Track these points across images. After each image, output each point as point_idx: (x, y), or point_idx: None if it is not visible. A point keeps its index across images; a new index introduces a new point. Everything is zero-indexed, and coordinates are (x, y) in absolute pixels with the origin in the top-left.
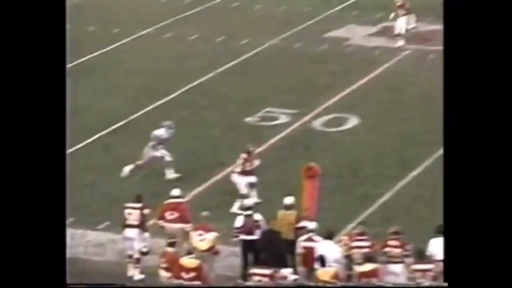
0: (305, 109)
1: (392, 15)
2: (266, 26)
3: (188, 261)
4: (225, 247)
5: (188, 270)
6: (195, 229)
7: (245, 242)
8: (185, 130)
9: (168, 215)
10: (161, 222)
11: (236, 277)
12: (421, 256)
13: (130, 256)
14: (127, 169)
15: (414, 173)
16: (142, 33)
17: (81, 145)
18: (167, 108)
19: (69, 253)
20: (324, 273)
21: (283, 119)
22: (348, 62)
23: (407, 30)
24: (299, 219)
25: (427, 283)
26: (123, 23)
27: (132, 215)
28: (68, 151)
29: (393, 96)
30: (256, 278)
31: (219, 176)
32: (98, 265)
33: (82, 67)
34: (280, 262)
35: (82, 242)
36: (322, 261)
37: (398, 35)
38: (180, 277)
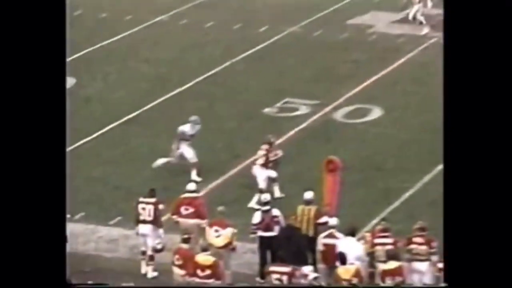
0: (326, 99)
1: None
2: (285, 13)
3: (203, 258)
4: (242, 244)
5: (203, 267)
6: (211, 224)
7: (263, 238)
8: (200, 121)
9: (183, 210)
10: (175, 217)
11: (254, 275)
12: None
13: (144, 253)
14: (160, 161)
15: (440, 166)
16: (155, 20)
17: (91, 136)
18: (181, 98)
19: (79, 249)
20: (345, 271)
21: (303, 110)
22: (371, 50)
23: (421, 15)
24: (319, 214)
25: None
26: (135, 10)
27: (146, 210)
28: (78, 143)
29: (418, 86)
30: (275, 276)
31: (235, 170)
32: (110, 262)
33: (94, 55)
34: (299, 259)
35: (93, 238)
36: (342, 258)
37: (414, 19)
38: (195, 275)
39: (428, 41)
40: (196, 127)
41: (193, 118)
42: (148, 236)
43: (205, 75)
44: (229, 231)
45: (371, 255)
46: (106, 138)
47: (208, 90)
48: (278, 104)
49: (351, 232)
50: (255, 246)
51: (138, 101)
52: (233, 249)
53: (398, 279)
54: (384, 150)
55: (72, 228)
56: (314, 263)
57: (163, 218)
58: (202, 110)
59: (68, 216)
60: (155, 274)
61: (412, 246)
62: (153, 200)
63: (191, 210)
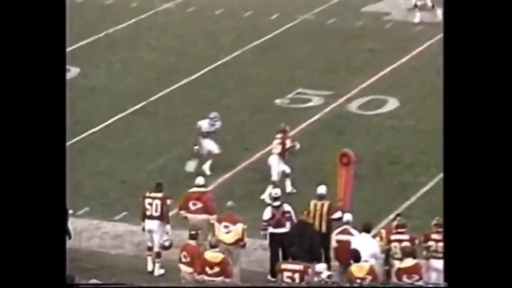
0: (340, 90)
1: None
2: (297, 0)
3: (212, 255)
4: (252, 240)
5: (212, 264)
6: (220, 220)
7: (274, 235)
8: (209, 113)
9: (191, 205)
10: (183, 213)
11: (265, 272)
12: None
13: (150, 249)
14: (191, 166)
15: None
16: (163, 7)
17: (95, 128)
18: (190, 89)
19: (83, 246)
20: (358, 269)
21: (315, 101)
22: (387, 39)
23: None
24: (332, 210)
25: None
26: None
27: (153, 205)
28: (82, 135)
29: (436, 76)
30: (287, 274)
31: (245, 163)
32: (115, 259)
33: (98, 44)
34: (312, 256)
35: (98, 233)
36: (355, 255)
37: (416, 6)
38: (203, 272)
39: None
40: (215, 124)
41: (213, 114)
42: (155, 232)
43: (214, 65)
44: (239, 227)
45: (387, 252)
46: (111, 130)
47: (217, 80)
48: (290, 95)
49: (366, 228)
50: (265, 242)
51: (144, 91)
52: (243, 245)
53: (415, 277)
54: (400, 143)
55: (75, 223)
56: (327, 261)
57: (170, 214)
58: (210, 101)
59: (71, 211)
60: (162, 271)
61: (430, 243)
62: (160, 195)
63: (199, 205)
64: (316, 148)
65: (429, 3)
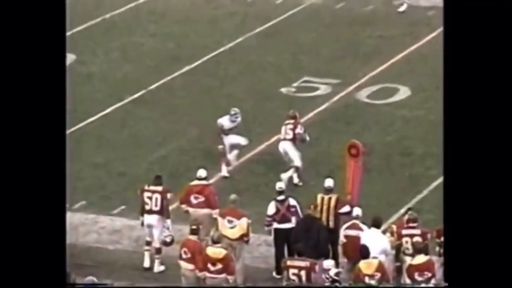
0: (348, 78)
1: None
2: None
3: (214, 251)
4: (256, 235)
5: (214, 261)
6: (223, 214)
7: (279, 231)
8: (211, 102)
9: (193, 199)
10: (184, 207)
11: (270, 269)
12: None
13: (148, 243)
14: (224, 172)
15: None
16: None
17: (92, 118)
18: (191, 77)
19: (80, 241)
20: (367, 266)
21: (323, 90)
22: (399, 24)
23: None
24: (340, 203)
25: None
26: None
27: (152, 199)
28: (78, 125)
29: None
30: (292, 271)
31: (249, 155)
32: (113, 255)
33: (95, 29)
34: (319, 252)
35: (95, 228)
36: (364, 251)
37: None
38: (205, 269)
39: None
40: (235, 121)
41: (233, 111)
42: (155, 227)
43: (216, 52)
44: (244, 221)
45: (398, 248)
46: (108, 120)
47: (220, 68)
48: (296, 84)
49: (376, 223)
50: (270, 238)
51: (143, 79)
52: (247, 241)
53: (427, 274)
54: (412, 134)
55: (71, 218)
56: (335, 257)
57: (171, 208)
58: (212, 90)
59: (67, 205)
60: (162, 268)
61: (443, 238)
62: (159, 188)
63: (201, 199)
64: (324, 139)
65: None
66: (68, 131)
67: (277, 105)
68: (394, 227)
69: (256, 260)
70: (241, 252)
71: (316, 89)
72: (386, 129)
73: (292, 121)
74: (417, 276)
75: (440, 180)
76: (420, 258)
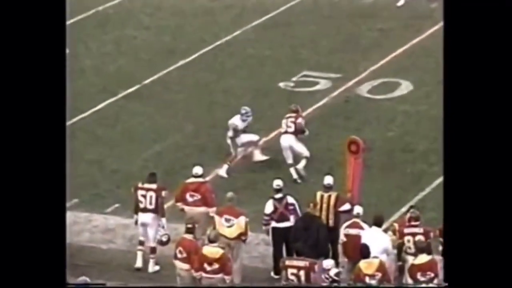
0: (349, 73)
1: None
2: None
3: (211, 250)
4: (254, 234)
5: (211, 260)
6: (221, 213)
7: (277, 230)
8: (208, 97)
9: (189, 196)
10: (180, 205)
11: (268, 269)
12: None
13: (142, 243)
14: (222, 172)
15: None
16: None
17: (86, 114)
18: (187, 71)
19: (72, 240)
20: (367, 266)
21: (322, 84)
22: (400, 17)
23: None
24: (340, 201)
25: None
26: None
27: (147, 197)
28: (70, 121)
29: None
30: (291, 271)
31: (246, 151)
32: (106, 254)
33: (88, 22)
34: (319, 252)
35: (88, 227)
36: (364, 251)
37: None
38: (201, 269)
39: None
40: (247, 120)
41: (243, 110)
42: (149, 226)
43: (213, 45)
44: (242, 220)
45: (400, 247)
46: (101, 115)
47: (216, 61)
48: (295, 78)
49: (377, 222)
50: (269, 236)
51: (137, 74)
52: (245, 240)
53: (430, 274)
54: (414, 130)
55: None
56: (335, 257)
57: (166, 206)
58: (209, 84)
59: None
60: (157, 268)
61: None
62: (154, 186)
63: (197, 196)
64: (323, 135)
65: None
66: None
67: (276, 100)
68: (396, 225)
69: (254, 259)
70: (239, 252)
71: (316, 83)
72: (387, 124)
73: (294, 114)
74: (419, 276)
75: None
76: (423, 258)
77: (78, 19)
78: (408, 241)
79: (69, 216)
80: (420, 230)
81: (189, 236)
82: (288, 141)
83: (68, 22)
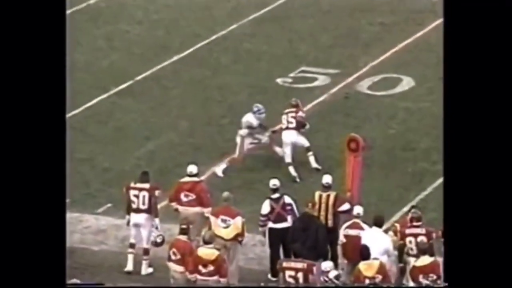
0: (348, 68)
1: None
2: None
3: (206, 252)
4: (250, 235)
5: (206, 262)
6: (216, 213)
7: (274, 231)
8: (202, 93)
9: (183, 196)
10: (174, 205)
11: (265, 271)
12: None
13: (132, 246)
14: (219, 170)
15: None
16: None
17: (76, 111)
18: (181, 66)
19: None
20: (367, 267)
21: (321, 80)
22: (401, 10)
23: None
24: (340, 201)
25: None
26: None
27: (140, 197)
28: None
29: None
30: (289, 273)
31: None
32: (97, 256)
33: (79, 16)
34: (317, 253)
35: (79, 228)
36: (364, 252)
37: None
38: (196, 271)
39: None
40: (260, 117)
41: (256, 107)
42: (142, 227)
43: (208, 40)
44: (238, 220)
45: (401, 249)
46: (93, 112)
47: (211, 57)
48: (293, 74)
49: (377, 222)
50: (265, 238)
51: (130, 69)
52: (241, 241)
53: (433, 276)
54: (415, 127)
55: None
56: (334, 258)
57: (159, 206)
58: (204, 81)
59: None
60: (150, 270)
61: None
62: (147, 185)
63: (192, 196)
64: (322, 133)
65: None
66: None
67: (273, 96)
68: (398, 226)
69: (251, 261)
70: (235, 253)
71: (314, 79)
72: (388, 122)
73: (294, 109)
74: (421, 279)
75: None
76: (425, 260)
77: (69, 13)
78: (410, 242)
79: None
80: (422, 230)
81: (183, 237)
82: (290, 137)
83: None
